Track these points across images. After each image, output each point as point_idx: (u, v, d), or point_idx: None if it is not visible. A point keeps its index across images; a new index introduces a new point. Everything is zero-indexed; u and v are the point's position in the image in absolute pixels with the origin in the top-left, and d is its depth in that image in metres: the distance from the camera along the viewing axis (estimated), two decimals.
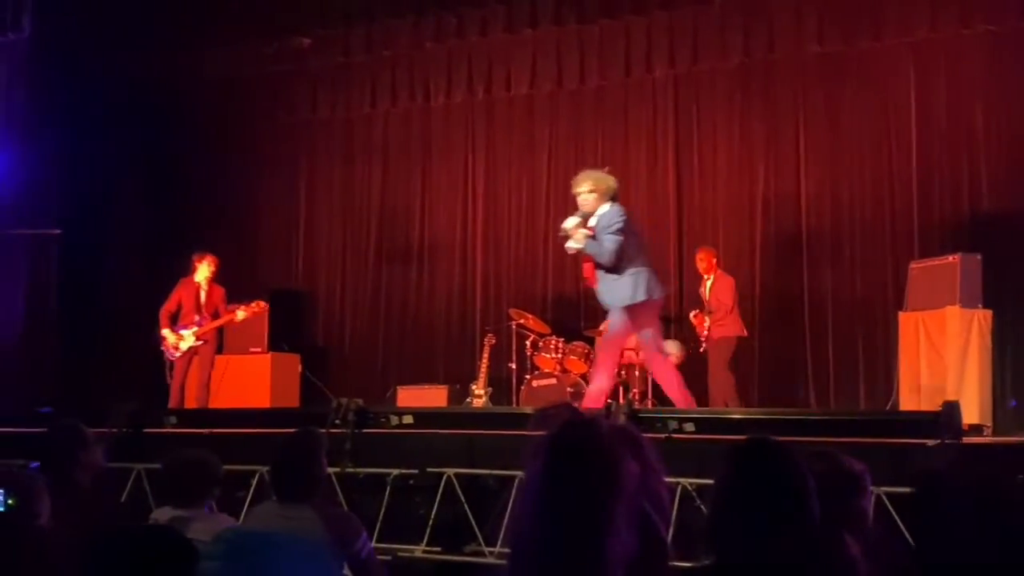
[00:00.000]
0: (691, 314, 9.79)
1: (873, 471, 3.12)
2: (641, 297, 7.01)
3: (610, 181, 7.15)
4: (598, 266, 7.04)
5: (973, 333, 8.37)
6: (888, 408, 8.96)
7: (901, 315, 8.98)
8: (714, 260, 9.84)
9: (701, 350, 9.75)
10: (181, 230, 12.28)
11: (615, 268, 6.95)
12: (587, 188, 7.12)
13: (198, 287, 9.66)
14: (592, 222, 7.05)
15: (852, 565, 2.45)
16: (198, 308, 9.60)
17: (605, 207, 7.05)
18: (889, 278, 9.95)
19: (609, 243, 6.90)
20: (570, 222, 7.09)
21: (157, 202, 12.51)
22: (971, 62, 9.84)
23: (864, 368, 10.02)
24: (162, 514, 4.16)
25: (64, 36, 11.42)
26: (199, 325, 9.54)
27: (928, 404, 8.01)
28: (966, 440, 6.19)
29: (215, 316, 9.65)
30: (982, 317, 8.45)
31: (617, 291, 7.03)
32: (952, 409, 6.09)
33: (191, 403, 9.47)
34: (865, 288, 10.17)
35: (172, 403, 9.40)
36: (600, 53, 11.30)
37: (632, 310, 7.05)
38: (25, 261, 11.24)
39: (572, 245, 7.08)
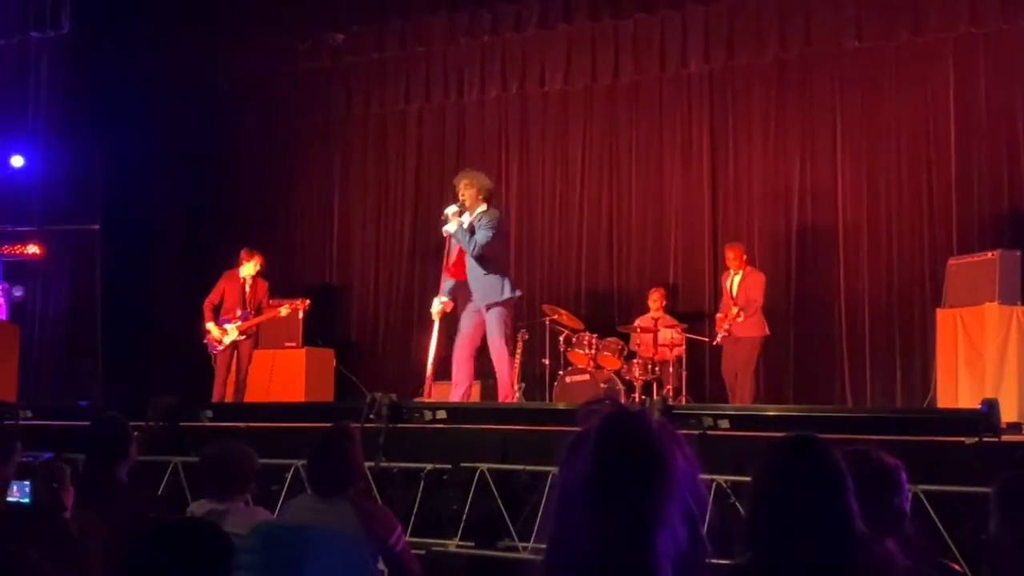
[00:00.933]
0: (731, 312, 9.54)
1: (910, 469, 3.09)
2: (508, 295, 7.85)
3: (487, 182, 8.01)
4: (470, 262, 7.78)
5: (1012, 330, 8.25)
6: (925, 406, 8.87)
7: (939, 312, 8.88)
8: (744, 256, 9.74)
9: (715, 342, 9.67)
10: (218, 225, 12.38)
11: (487, 266, 7.74)
12: (465, 183, 7.90)
13: (243, 282, 9.72)
14: (469, 218, 7.83)
15: (889, 564, 2.43)
16: (242, 302, 9.65)
17: (483, 206, 7.81)
18: (927, 274, 9.85)
19: (481, 238, 7.68)
20: (451, 209, 7.85)
21: (195, 197, 12.62)
22: (1012, 57, 9.71)
23: (901, 365, 9.93)
24: (199, 507, 4.19)
25: (103, 33, 11.54)
26: (243, 320, 9.58)
27: (966, 402, 7.92)
28: (1005, 438, 6.11)
29: (258, 311, 9.71)
30: (1021, 314, 8.32)
31: (490, 288, 7.79)
32: (991, 406, 6.01)
33: (230, 397, 9.54)
34: (902, 284, 10.08)
35: (215, 397, 9.45)
36: (635, 48, 11.26)
37: (502, 305, 7.83)
38: (67, 256, 11.38)
39: (447, 228, 7.86)
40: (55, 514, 3.66)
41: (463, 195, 7.87)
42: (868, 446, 3.12)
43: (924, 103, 10.16)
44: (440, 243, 12.13)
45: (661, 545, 1.73)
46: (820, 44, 10.50)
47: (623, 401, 1.85)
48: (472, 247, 7.67)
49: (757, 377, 9.63)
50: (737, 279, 9.68)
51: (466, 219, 7.80)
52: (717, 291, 10.61)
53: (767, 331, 9.62)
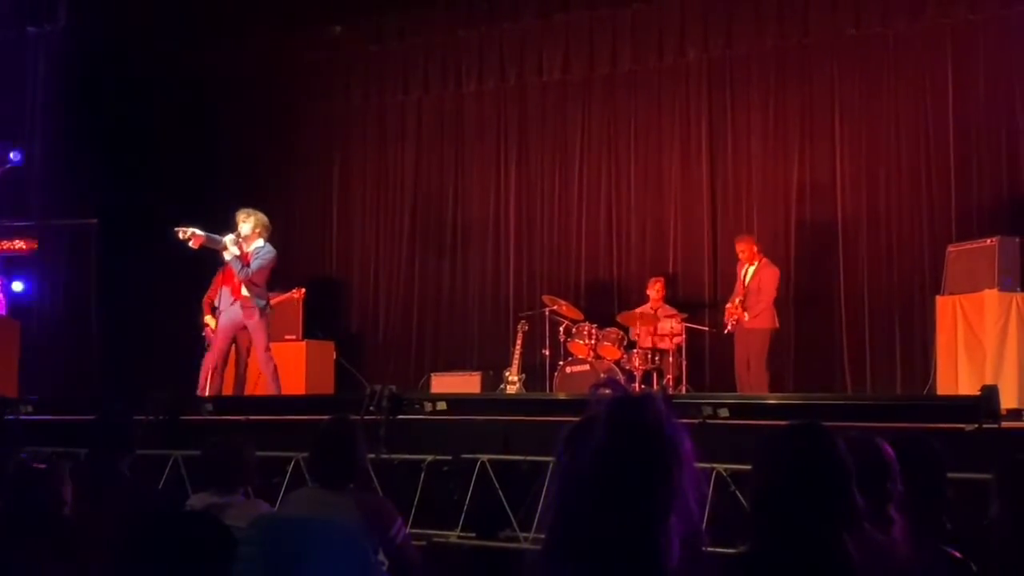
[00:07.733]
0: (736, 301, 9.46)
1: (910, 456, 3.07)
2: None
3: (266, 220, 9.07)
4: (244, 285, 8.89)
5: (1012, 316, 8.25)
6: (925, 393, 8.87)
7: (938, 299, 8.87)
8: (755, 248, 9.62)
9: (726, 331, 9.59)
10: (217, 218, 12.34)
11: (259, 293, 8.91)
12: (243, 218, 9.00)
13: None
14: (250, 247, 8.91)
15: (891, 553, 2.43)
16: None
17: (260, 242, 8.90)
18: (926, 262, 9.84)
19: (253, 268, 8.81)
20: (229, 238, 8.86)
21: (192, 190, 12.58)
22: (1011, 43, 9.68)
23: (901, 353, 9.93)
24: (199, 500, 4.19)
25: (99, 27, 11.50)
26: None
27: (966, 388, 7.93)
28: (1005, 424, 6.11)
29: None
30: (1021, 300, 8.32)
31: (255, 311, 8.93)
32: (991, 393, 6.02)
33: (228, 389, 9.51)
34: (902, 272, 10.08)
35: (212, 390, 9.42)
36: (633, 37, 11.25)
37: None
38: (64, 251, 11.36)
39: (227, 255, 8.81)
40: (55, 511, 3.64)
41: (243, 228, 8.96)
42: (867, 433, 3.10)
43: (922, 90, 10.14)
44: (441, 234, 12.21)
45: (673, 522, 1.75)
46: (818, 32, 10.49)
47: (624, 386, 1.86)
48: (244, 273, 8.77)
49: (770, 368, 9.55)
50: (751, 270, 9.57)
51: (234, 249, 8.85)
52: (717, 281, 10.61)
53: (777, 324, 9.52)
